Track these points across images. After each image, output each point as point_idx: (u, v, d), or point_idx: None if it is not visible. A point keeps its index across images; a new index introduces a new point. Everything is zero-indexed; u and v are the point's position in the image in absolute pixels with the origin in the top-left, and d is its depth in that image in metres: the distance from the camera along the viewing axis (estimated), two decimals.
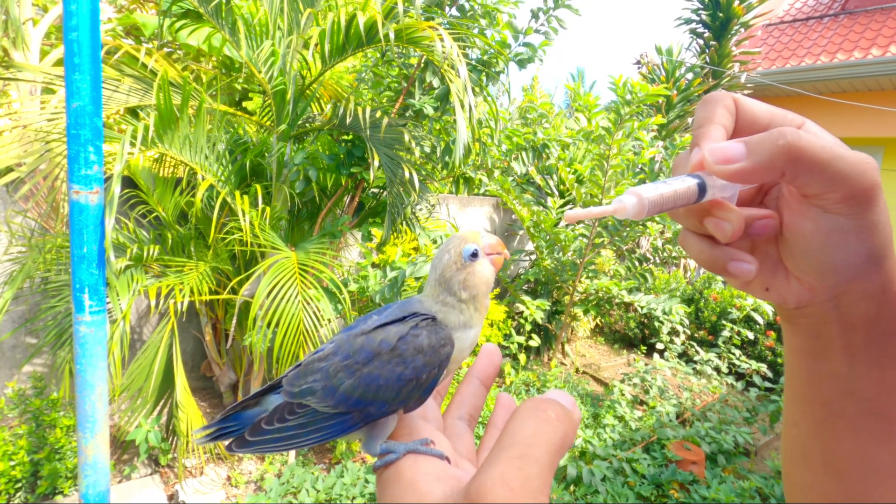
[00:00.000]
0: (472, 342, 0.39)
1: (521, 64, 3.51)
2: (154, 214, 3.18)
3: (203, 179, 2.77)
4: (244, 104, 4.11)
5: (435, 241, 3.41)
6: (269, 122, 3.24)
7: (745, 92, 7.59)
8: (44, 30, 3.50)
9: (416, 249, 3.38)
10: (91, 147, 1.70)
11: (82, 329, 1.80)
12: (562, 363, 5.17)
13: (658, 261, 5.48)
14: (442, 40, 2.56)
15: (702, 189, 0.34)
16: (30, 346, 3.19)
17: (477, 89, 3.42)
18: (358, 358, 0.36)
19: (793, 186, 0.34)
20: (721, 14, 7.11)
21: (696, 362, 4.68)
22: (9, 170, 2.56)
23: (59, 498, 2.62)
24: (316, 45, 2.80)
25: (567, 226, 4.55)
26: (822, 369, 0.38)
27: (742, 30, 7.29)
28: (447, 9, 3.31)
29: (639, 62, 7.86)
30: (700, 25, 7.50)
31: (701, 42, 7.57)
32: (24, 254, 2.76)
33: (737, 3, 6.96)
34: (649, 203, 0.34)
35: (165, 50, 3.93)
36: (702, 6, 7.32)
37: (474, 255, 0.38)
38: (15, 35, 3.15)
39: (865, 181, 0.31)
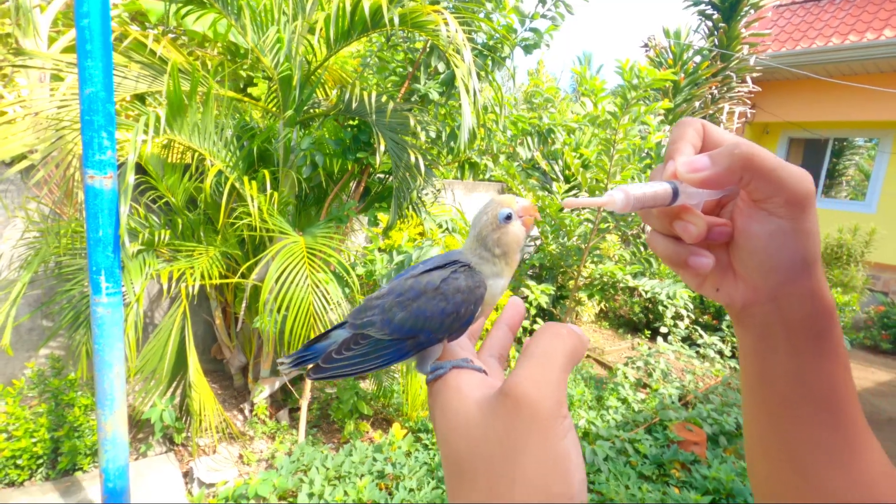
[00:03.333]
0: (501, 289, 0.47)
1: (527, 49, 3.48)
2: (164, 200, 3.23)
3: (212, 165, 2.81)
4: (249, 90, 4.13)
5: (441, 226, 3.44)
6: (275, 108, 3.26)
7: (755, 75, 7.49)
8: (51, 16, 3.52)
9: (422, 234, 3.42)
10: (104, 132, 1.73)
11: (99, 310, 1.86)
12: None
13: None
14: (447, 24, 2.56)
15: (675, 193, 0.41)
16: (46, 329, 3.27)
17: (482, 74, 3.41)
18: (408, 295, 0.45)
19: (746, 191, 0.40)
20: None
21: (699, 346, 4.71)
22: (22, 157, 2.61)
23: (79, 474, 2.72)
24: (321, 30, 2.81)
25: (572, 211, 4.58)
26: (771, 366, 0.43)
27: (752, 11, 7.17)
28: None
29: (646, 45, 7.76)
30: (709, 7, 7.38)
31: (710, 24, 7.45)
32: (39, 239, 2.82)
33: None
34: (634, 199, 0.40)
35: (170, 36, 3.93)
36: None
37: (508, 217, 0.44)
38: (25, 22, 3.18)
39: (803, 189, 0.38)
